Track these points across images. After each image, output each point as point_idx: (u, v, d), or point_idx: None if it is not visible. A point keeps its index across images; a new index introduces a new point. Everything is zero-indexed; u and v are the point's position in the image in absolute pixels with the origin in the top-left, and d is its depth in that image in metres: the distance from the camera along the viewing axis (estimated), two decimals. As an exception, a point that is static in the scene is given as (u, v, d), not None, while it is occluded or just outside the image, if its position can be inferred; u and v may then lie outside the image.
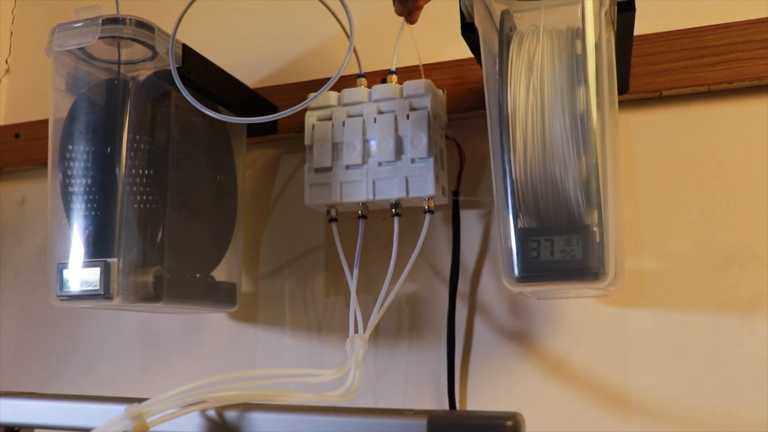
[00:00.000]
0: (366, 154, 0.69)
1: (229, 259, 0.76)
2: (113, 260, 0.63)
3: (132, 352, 0.87)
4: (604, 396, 0.68)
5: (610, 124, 0.54)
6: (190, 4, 0.64)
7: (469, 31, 0.59)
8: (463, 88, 0.75)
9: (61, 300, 0.65)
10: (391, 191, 0.68)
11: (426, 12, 0.64)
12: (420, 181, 0.67)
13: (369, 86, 0.72)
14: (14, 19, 1.06)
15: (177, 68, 0.63)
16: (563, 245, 0.51)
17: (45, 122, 0.69)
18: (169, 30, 0.65)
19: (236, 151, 0.78)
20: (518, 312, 0.72)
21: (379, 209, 0.74)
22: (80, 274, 0.64)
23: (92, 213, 0.65)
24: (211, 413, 0.45)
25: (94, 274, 0.63)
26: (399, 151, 0.68)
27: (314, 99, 0.65)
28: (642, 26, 0.65)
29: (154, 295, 0.66)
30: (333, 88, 0.69)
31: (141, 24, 0.64)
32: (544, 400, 0.70)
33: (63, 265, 0.65)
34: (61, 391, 0.88)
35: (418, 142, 0.67)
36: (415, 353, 0.75)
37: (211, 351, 0.84)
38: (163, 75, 0.67)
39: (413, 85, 0.69)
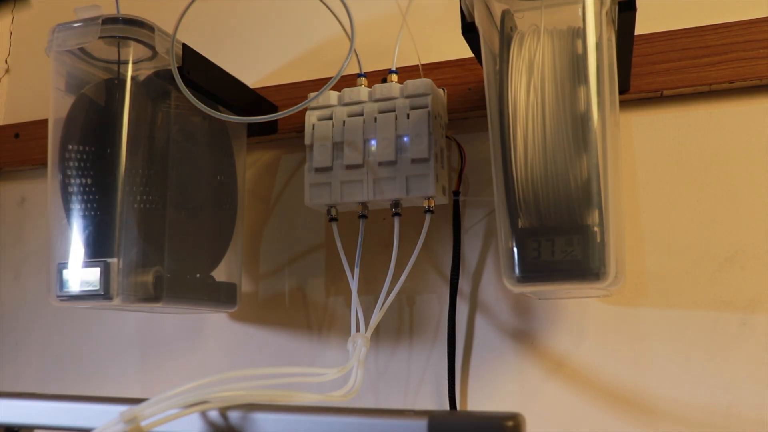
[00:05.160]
0: (366, 153, 0.69)
1: (229, 259, 0.76)
2: (113, 260, 0.63)
3: (132, 352, 0.87)
4: (606, 396, 0.68)
5: (611, 123, 0.54)
6: (190, 3, 0.63)
7: (469, 30, 0.58)
8: (464, 88, 0.75)
9: (61, 300, 0.65)
10: (391, 191, 0.68)
11: (426, 12, 0.64)
12: (420, 180, 0.67)
13: (369, 86, 0.72)
14: (14, 18, 1.06)
15: (177, 68, 0.63)
16: (564, 245, 0.51)
17: (45, 122, 0.69)
18: (169, 30, 0.64)
19: (236, 151, 0.78)
20: (519, 312, 0.72)
21: (380, 209, 0.74)
22: (80, 274, 0.64)
23: (92, 213, 0.65)
24: (213, 414, 0.45)
25: (94, 274, 0.63)
26: (399, 150, 0.68)
27: (315, 99, 0.65)
28: (643, 26, 0.65)
29: (154, 295, 0.66)
30: (333, 88, 0.69)
31: (141, 24, 0.64)
32: (545, 400, 0.70)
33: (63, 265, 0.65)
34: (61, 391, 0.88)
35: (418, 141, 0.67)
36: (415, 353, 0.75)
37: (211, 351, 0.84)
38: (163, 75, 0.67)
39: (414, 85, 0.69)
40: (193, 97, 0.60)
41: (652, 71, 0.69)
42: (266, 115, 0.60)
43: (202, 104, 0.59)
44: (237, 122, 0.78)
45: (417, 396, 0.74)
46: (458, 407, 0.71)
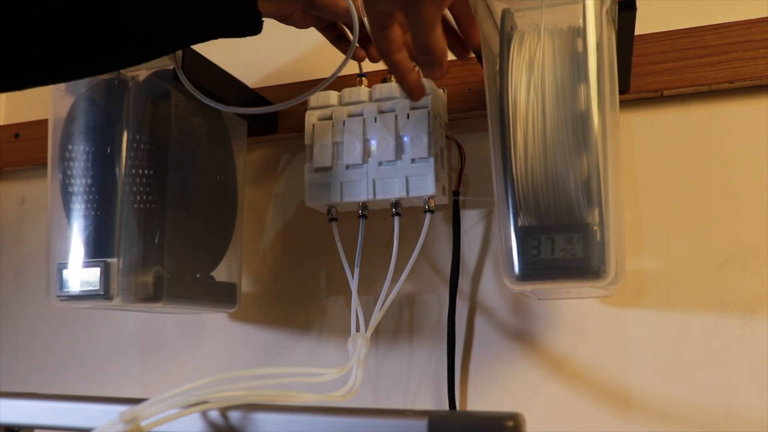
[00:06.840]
0: (366, 153, 0.69)
1: (229, 259, 0.76)
2: (113, 260, 0.63)
3: (132, 352, 0.87)
4: (606, 396, 0.68)
5: (610, 123, 0.54)
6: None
7: (469, 30, 0.59)
8: (464, 88, 0.75)
9: (61, 300, 0.65)
10: (391, 191, 0.68)
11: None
12: (420, 180, 0.67)
13: (369, 86, 0.72)
14: (14, 19, 1.06)
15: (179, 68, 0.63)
16: (564, 244, 0.51)
17: (45, 122, 0.69)
18: (169, 29, 0.64)
19: (236, 151, 0.78)
20: (519, 312, 0.72)
21: (380, 209, 0.74)
22: (80, 274, 0.64)
23: (92, 213, 0.65)
24: (213, 414, 0.45)
25: (94, 274, 0.63)
26: (399, 150, 0.68)
27: (314, 94, 0.65)
28: (643, 26, 0.65)
29: (154, 295, 0.65)
30: (333, 88, 0.69)
31: (141, 23, 0.64)
32: (545, 401, 0.70)
33: (63, 265, 0.65)
34: (61, 391, 0.88)
35: (418, 141, 0.67)
36: (415, 353, 0.75)
37: (211, 351, 0.84)
38: (163, 75, 0.67)
39: (414, 85, 0.69)
40: (195, 90, 0.60)
41: (652, 71, 0.69)
42: (266, 113, 0.60)
43: (204, 96, 0.59)
44: (237, 119, 0.78)
45: (417, 396, 0.74)
46: (458, 407, 0.71)
